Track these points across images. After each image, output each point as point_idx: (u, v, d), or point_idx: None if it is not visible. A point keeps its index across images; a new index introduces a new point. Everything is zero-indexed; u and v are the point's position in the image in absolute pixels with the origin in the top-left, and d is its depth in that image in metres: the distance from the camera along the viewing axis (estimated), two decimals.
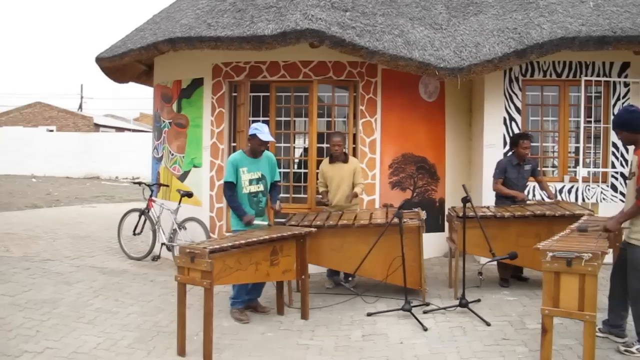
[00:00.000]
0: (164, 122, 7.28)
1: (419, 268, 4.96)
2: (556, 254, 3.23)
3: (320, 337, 4.24)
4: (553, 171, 6.70)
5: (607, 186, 6.41)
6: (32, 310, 4.70)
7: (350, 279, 5.68)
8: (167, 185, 7.19)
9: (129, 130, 32.24)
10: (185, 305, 3.90)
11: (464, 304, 4.58)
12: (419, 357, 3.78)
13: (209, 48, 6.01)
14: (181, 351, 3.85)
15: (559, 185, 6.42)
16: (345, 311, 4.81)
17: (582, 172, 6.34)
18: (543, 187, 5.75)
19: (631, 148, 4.19)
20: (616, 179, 6.40)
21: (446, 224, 6.15)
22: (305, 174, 6.67)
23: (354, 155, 6.43)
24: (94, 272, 6.14)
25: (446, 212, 5.99)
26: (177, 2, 7.38)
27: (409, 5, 6.66)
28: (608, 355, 3.64)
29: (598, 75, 6.36)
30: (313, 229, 4.79)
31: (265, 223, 4.81)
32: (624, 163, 6.32)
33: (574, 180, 6.43)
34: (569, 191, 6.42)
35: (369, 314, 4.65)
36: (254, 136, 4.70)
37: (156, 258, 6.91)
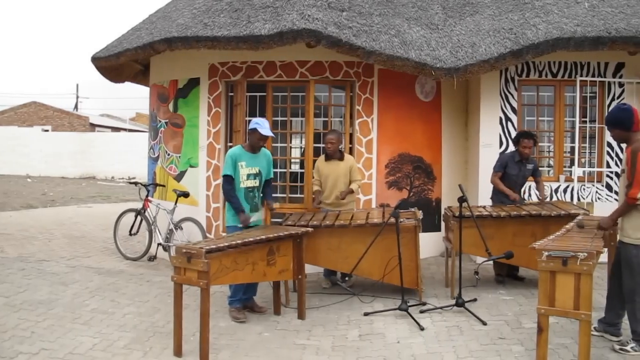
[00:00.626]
0: (160, 122, 7.26)
1: (416, 268, 4.97)
2: (552, 254, 3.24)
3: (317, 337, 4.24)
4: (549, 171, 6.73)
5: (602, 186, 6.45)
6: (27, 311, 4.68)
7: (347, 278, 5.69)
8: (164, 185, 7.18)
9: (125, 130, 32.18)
10: (182, 306, 3.89)
11: (460, 303, 4.60)
12: (416, 356, 3.79)
13: (205, 48, 6.01)
14: (178, 352, 3.84)
15: (554, 185, 6.45)
16: (342, 311, 4.82)
17: (577, 171, 6.37)
18: (538, 188, 5.77)
19: (625, 146, 4.20)
20: (611, 178, 6.43)
21: (442, 224, 6.17)
22: (302, 173, 6.67)
23: (351, 155, 6.43)
24: (90, 272, 6.12)
25: (442, 212, 6.00)
26: (174, 2, 7.36)
27: (405, 6, 6.68)
28: (603, 353, 3.66)
29: (593, 76, 6.40)
30: (310, 229, 4.80)
31: (261, 218, 4.88)
32: (618, 163, 6.35)
33: (569, 179, 6.46)
34: (565, 191, 6.45)
35: (366, 314, 4.66)
36: (254, 130, 4.70)
37: (152, 258, 6.89)
